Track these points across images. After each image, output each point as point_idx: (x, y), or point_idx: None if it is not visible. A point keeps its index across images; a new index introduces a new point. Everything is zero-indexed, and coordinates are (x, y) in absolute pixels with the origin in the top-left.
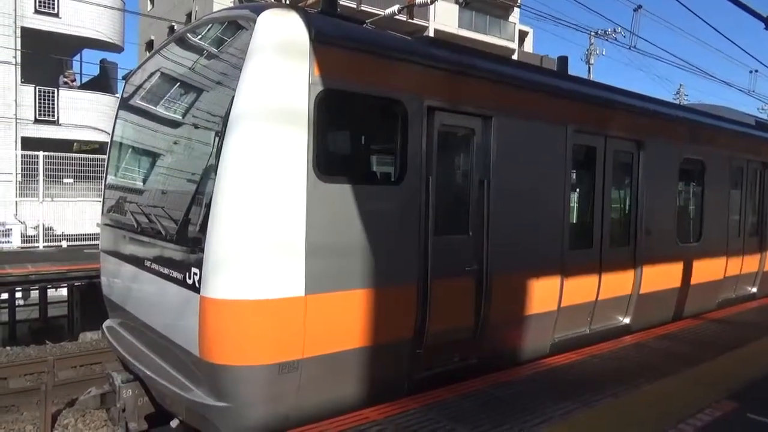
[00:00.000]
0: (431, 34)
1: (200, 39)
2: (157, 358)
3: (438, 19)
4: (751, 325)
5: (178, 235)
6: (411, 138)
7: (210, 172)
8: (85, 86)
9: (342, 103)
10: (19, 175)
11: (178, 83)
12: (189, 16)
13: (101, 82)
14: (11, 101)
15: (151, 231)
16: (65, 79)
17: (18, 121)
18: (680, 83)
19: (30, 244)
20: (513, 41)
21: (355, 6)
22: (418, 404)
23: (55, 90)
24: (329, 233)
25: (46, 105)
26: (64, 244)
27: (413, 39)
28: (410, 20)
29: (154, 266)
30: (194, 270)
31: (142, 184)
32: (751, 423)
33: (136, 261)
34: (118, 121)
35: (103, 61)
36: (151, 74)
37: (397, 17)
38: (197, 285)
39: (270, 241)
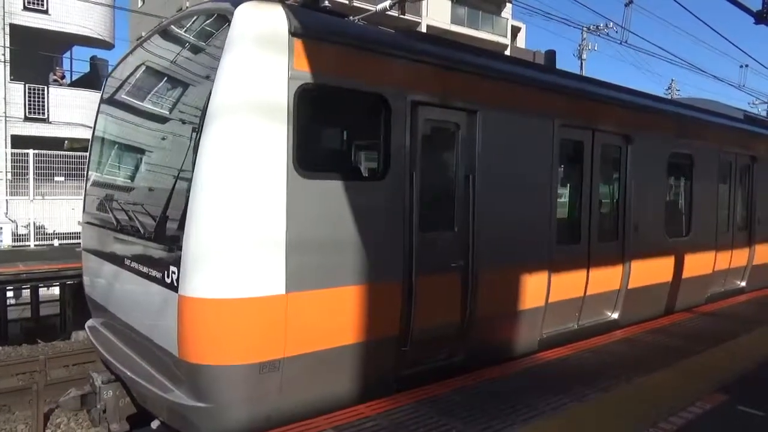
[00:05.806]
0: (423, 29)
1: (181, 32)
2: (138, 359)
3: (430, 15)
4: (740, 319)
5: (156, 232)
6: (394, 133)
7: (188, 168)
8: (75, 83)
9: (323, 97)
10: (9, 174)
11: (159, 77)
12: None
13: (92, 79)
14: (0, 99)
15: (130, 229)
16: (54, 77)
17: (8, 119)
18: (672, 78)
19: (21, 243)
20: (505, 37)
21: (347, 1)
22: (411, 400)
23: (45, 87)
24: (310, 230)
25: (36, 103)
26: (56, 242)
27: (397, 33)
28: (402, 16)
29: (134, 265)
30: (172, 268)
31: (121, 180)
32: (741, 415)
33: (116, 260)
34: (99, 115)
35: (93, 58)
36: (133, 68)
37: (389, 13)
38: (175, 284)
39: (249, 238)
